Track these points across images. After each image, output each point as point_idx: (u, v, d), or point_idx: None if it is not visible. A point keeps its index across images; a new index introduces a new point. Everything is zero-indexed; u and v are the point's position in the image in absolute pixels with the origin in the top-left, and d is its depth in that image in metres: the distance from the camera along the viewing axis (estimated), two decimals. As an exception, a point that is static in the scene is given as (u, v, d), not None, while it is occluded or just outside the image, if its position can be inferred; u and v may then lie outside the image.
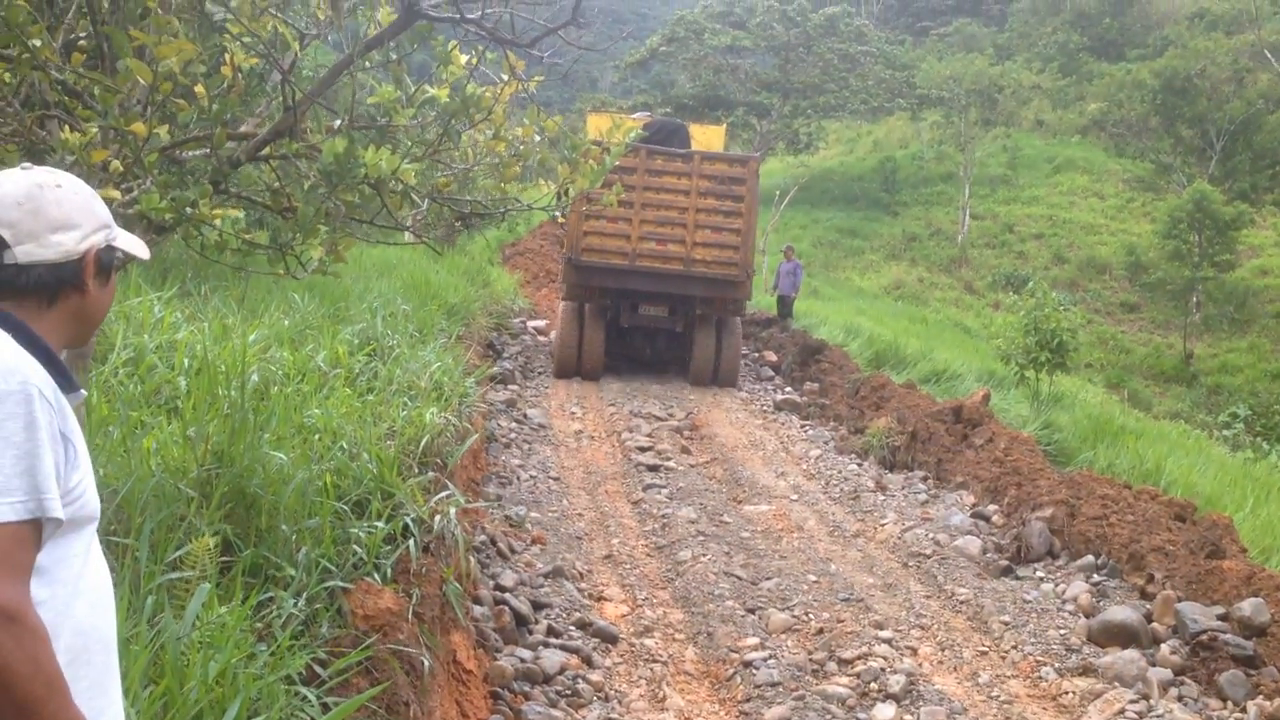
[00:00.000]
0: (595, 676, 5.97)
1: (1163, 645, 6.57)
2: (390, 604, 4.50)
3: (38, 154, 3.62)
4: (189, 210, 3.30)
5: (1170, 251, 34.82)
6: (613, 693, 5.89)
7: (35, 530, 1.67)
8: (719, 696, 5.98)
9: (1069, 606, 7.34)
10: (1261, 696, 5.87)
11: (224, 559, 3.92)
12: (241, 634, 3.41)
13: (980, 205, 44.21)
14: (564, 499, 9.48)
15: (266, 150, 4.04)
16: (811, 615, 7.05)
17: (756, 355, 18.42)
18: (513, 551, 7.59)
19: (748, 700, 5.83)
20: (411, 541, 5.04)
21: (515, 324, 19.01)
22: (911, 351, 17.55)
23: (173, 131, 3.65)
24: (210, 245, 3.71)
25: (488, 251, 25.35)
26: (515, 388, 14.01)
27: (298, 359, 6.94)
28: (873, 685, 6.02)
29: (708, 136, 19.03)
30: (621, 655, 6.36)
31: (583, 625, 6.58)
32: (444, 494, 5.82)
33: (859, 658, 6.38)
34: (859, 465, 11.48)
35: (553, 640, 6.28)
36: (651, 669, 6.18)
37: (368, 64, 4.06)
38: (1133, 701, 5.92)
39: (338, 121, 3.71)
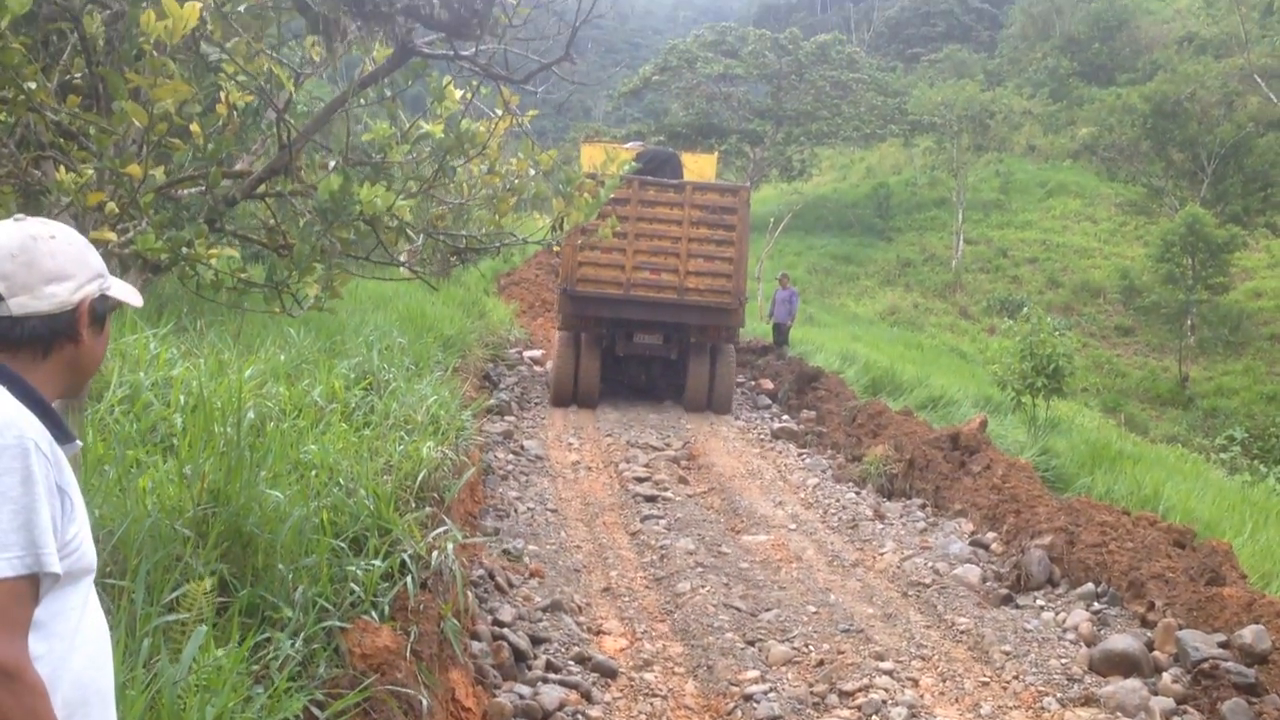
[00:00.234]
0: (595, 712, 5.92)
1: (1165, 674, 6.54)
2: (388, 642, 4.47)
3: (33, 195, 3.62)
4: (185, 250, 3.29)
5: (1164, 275, 34.94)
6: (613, 728, 5.85)
7: (33, 585, 1.66)
8: (720, 731, 5.93)
9: (1070, 635, 7.30)
10: (1265, 725, 5.84)
11: (220, 599, 3.90)
12: (238, 677, 3.39)
13: (974, 230, 44.37)
14: (562, 531, 9.44)
15: (262, 188, 4.04)
16: (812, 647, 7.01)
17: (753, 383, 18.44)
18: (511, 585, 7.54)
19: (749, 734, 5.79)
20: (409, 578, 5.01)
21: (511, 354, 19.01)
22: (908, 378, 17.56)
23: (168, 170, 3.64)
24: (206, 284, 3.70)
25: (483, 282, 25.38)
26: (512, 419, 13.99)
27: (294, 394, 6.93)
28: (874, 718, 5.98)
29: (700, 165, 19.17)
30: (621, 690, 6.31)
31: (582, 660, 6.54)
32: (441, 529, 5.80)
33: (860, 690, 6.33)
34: (857, 493, 11.46)
35: (551, 675, 6.23)
36: (651, 704, 6.13)
37: (362, 101, 4.07)
38: (1136, 731, 5.88)
39: (332, 163, 3.70)
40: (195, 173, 3.81)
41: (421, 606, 5.02)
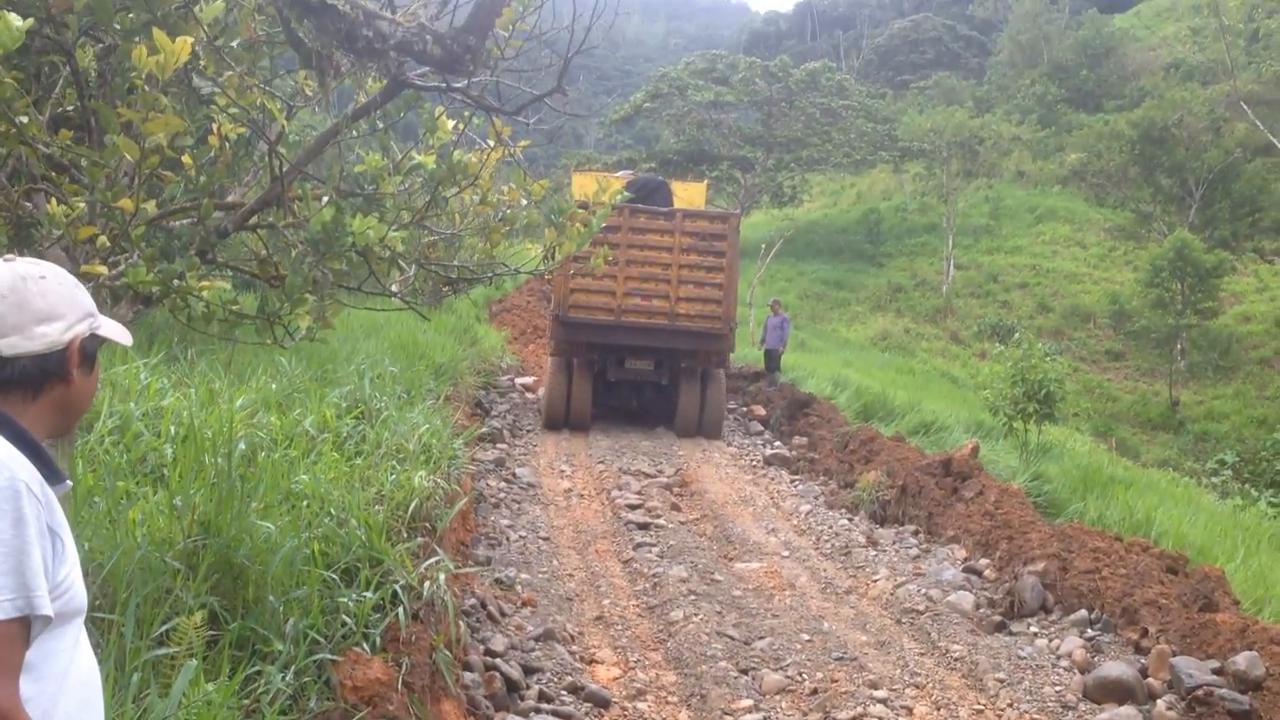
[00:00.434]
0: (588, 743, 5.89)
1: (1159, 701, 6.53)
2: (379, 674, 4.44)
3: (24, 228, 3.61)
4: (176, 283, 3.29)
5: (1153, 299, 35.07)
6: (606, 759, 5.81)
7: (24, 628, 1.66)
8: (714, 761, 5.90)
9: (1064, 662, 7.29)
10: (1260, 752, 5.82)
11: (211, 632, 3.87)
12: (229, 711, 3.37)
13: (964, 255, 44.54)
14: (554, 559, 9.41)
15: (254, 219, 4.04)
16: (805, 675, 6.98)
17: (745, 410, 18.45)
18: (503, 615, 7.51)
19: (743, 765, 5.75)
20: (401, 609, 4.99)
21: (503, 381, 18.99)
22: (900, 403, 17.57)
23: (160, 202, 3.64)
24: (197, 317, 3.70)
25: (475, 309, 25.37)
26: (504, 446, 13.97)
27: (285, 423, 6.91)
28: (869, 747, 5.95)
29: (689, 193, 19.32)
30: (614, 720, 6.28)
31: (575, 689, 6.50)
32: (433, 559, 5.78)
33: (854, 718, 6.31)
34: (849, 520, 11.44)
35: (544, 706, 6.20)
36: (645, 734, 6.10)
37: (355, 132, 4.08)
38: (1131, 759, 5.87)
39: (325, 198, 3.71)
40: (187, 204, 3.81)
41: (413, 637, 4.99)
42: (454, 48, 3.43)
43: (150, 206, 3.29)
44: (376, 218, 3.85)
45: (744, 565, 9.56)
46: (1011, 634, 7.95)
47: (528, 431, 15.60)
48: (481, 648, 6.58)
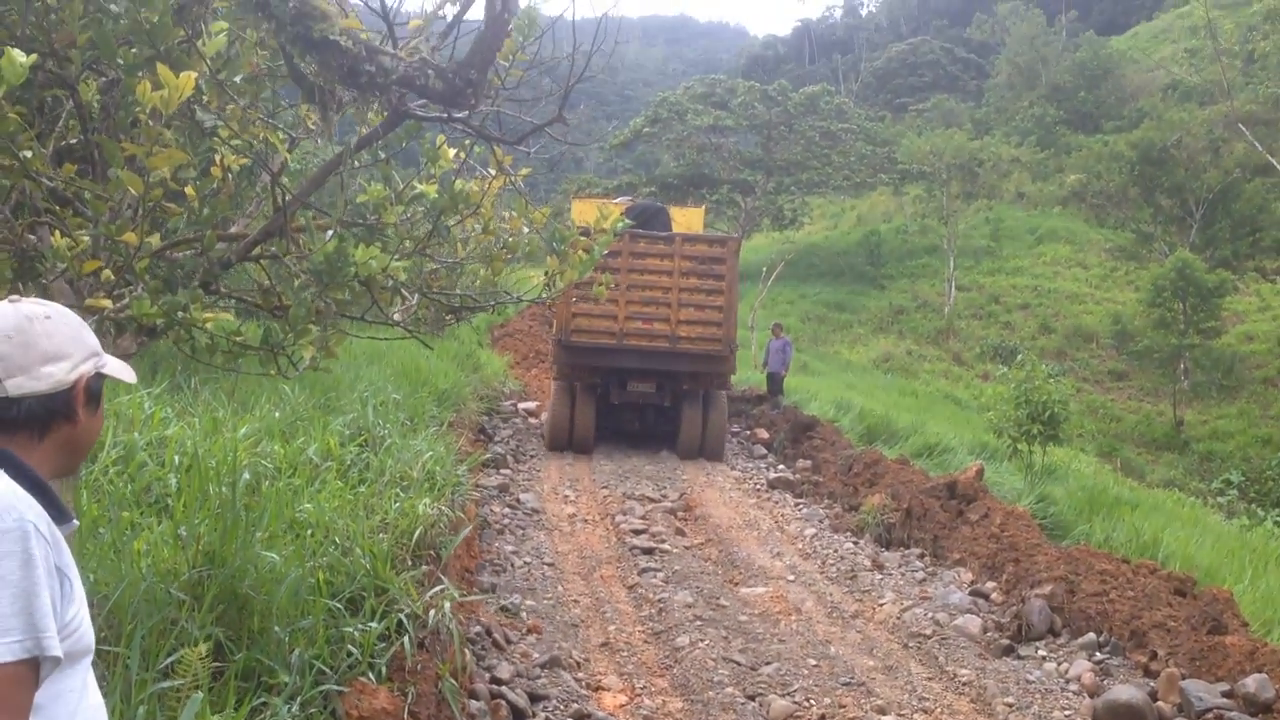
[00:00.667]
0: (595, 771, 5.85)
1: (1169, 724, 6.49)
2: (385, 704, 4.43)
3: (29, 261, 3.62)
4: (180, 315, 3.29)
5: (1156, 320, 35.07)
6: (613, 788, 5.77)
7: (33, 669, 1.65)
8: (721, 789, 5.86)
9: (1073, 686, 7.25)
10: (1272, 776, 5.78)
11: (216, 664, 3.86)
12: (234, 744, 3.35)
13: (965, 277, 44.58)
14: (559, 585, 9.38)
15: (256, 250, 4.05)
16: (813, 701, 6.94)
17: (748, 433, 18.44)
18: (509, 642, 7.48)
19: (751, 792, 5.71)
20: (406, 638, 4.98)
21: (506, 406, 18.99)
22: (903, 425, 17.57)
23: (163, 234, 3.65)
24: (201, 348, 3.70)
25: (477, 334, 25.40)
26: (508, 472, 13.95)
27: (289, 452, 6.90)
28: (877, 773, 5.91)
29: (688, 218, 19.45)
30: (621, 748, 6.24)
31: (581, 717, 6.47)
32: (438, 588, 5.76)
33: (862, 745, 6.27)
34: (855, 543, 11.41)
35: (551, 734, 6.16)
36: (652, 762, 6.06)
37: (357, 163, 4.09)
38: (1142, 784, 5.82)
39: (330, 232, 3.72)
40: (190, 236, 3.82)
41: (419, 666, 4.98)
42: (456, 82, 3.44)
43: (154, 239, 3.30)
44: (379, 247, 3.86)
45: (749, 590, 9.52)
46: (1019, 658, 7.92)
47: (531, 457, 15.59)
48: (487, 676, 6.55)
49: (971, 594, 9.29)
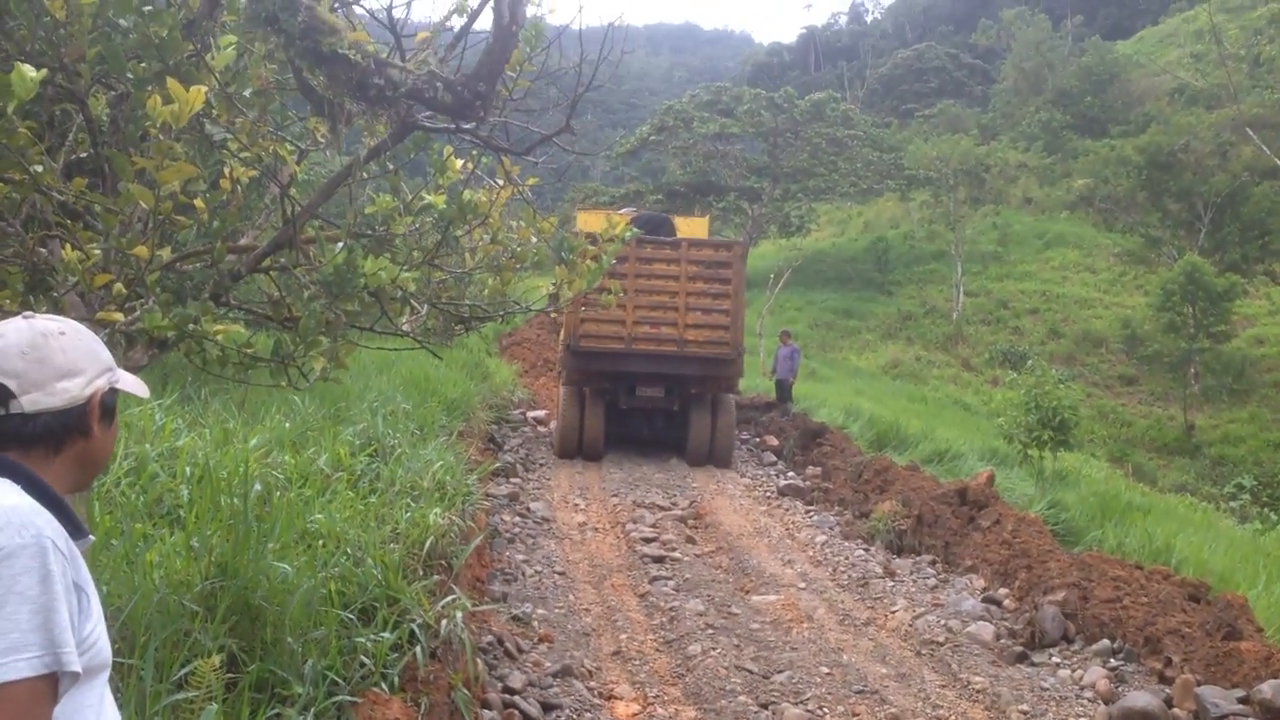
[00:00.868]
0: (608, 781, 5.84)
1: (1185, 730, 6.45)
2: (399, 714, 4.42)
3: (40, 274, 3.63)
4: (191, 327, 3.30)
5: (1165, 324, 34.98)
6: (626, 798, 5.76)
7: (52, 685, 1.66)
8: (735, 798, 5.84)
9: (1088, 693, 7.22)
10: (1289, 781, 5.75)
11: (230, 675, 3.86)
12: (248, 756, 3.35)
13: (973, 282, 44.54)
14: (570, 594, 9.37)
15: (266, 261, 4.06)
16: (826, 709, 6.92)
17: (758, 440, 18.43)
18: (520, 651, 7.47)
19: (764, 801, 5.69)
20: (419, 648, 4.97)
21: (515, 415, 19.00)
22: (913, 432, 17.54)
23: (174, 247, 3.67)
24: (212, 360, 3.71)
25: (485, 343, 25.43)
26: (517, 480, 13.95)
27: (300, 462, 6.91)
28: (891, 781, 5.89)
29: (692, 228, 19.54)
30: (633, 757, 6.23)
31: (593, 727, 6.46)
32: (450, 597, 5.76)
33: (876, 753, 6.25)
34: (866, 550, 11.39)
35: (563, 744, 6.15)
36: (665, 771, 6.04)
37: (365, 174, 4.10)
38: (1158, 791, 5.79)
39: (339, 244, 3.72)
40: (200, 249, 3.83)
41: (432, 676, 4.98)
42: (465, 94, 3.45)
43: (165, 252, 3.31)
44: (388, 258, 3.87)
45: (761, 598, 9.50)
46: (1033, 665, 7.88)
47: (541, 465, 15.60)
48: (500, 685, 6.55)
49: (984, 601, 9.27)
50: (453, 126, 3.87)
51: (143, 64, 3.27)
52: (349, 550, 5.39)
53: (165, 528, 5.02)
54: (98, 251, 3.30)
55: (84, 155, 3.87)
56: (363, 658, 4.55)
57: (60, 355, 1.86)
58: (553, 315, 22.35)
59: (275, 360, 3.94)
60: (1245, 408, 34.28)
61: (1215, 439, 32.81)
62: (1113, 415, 34.96)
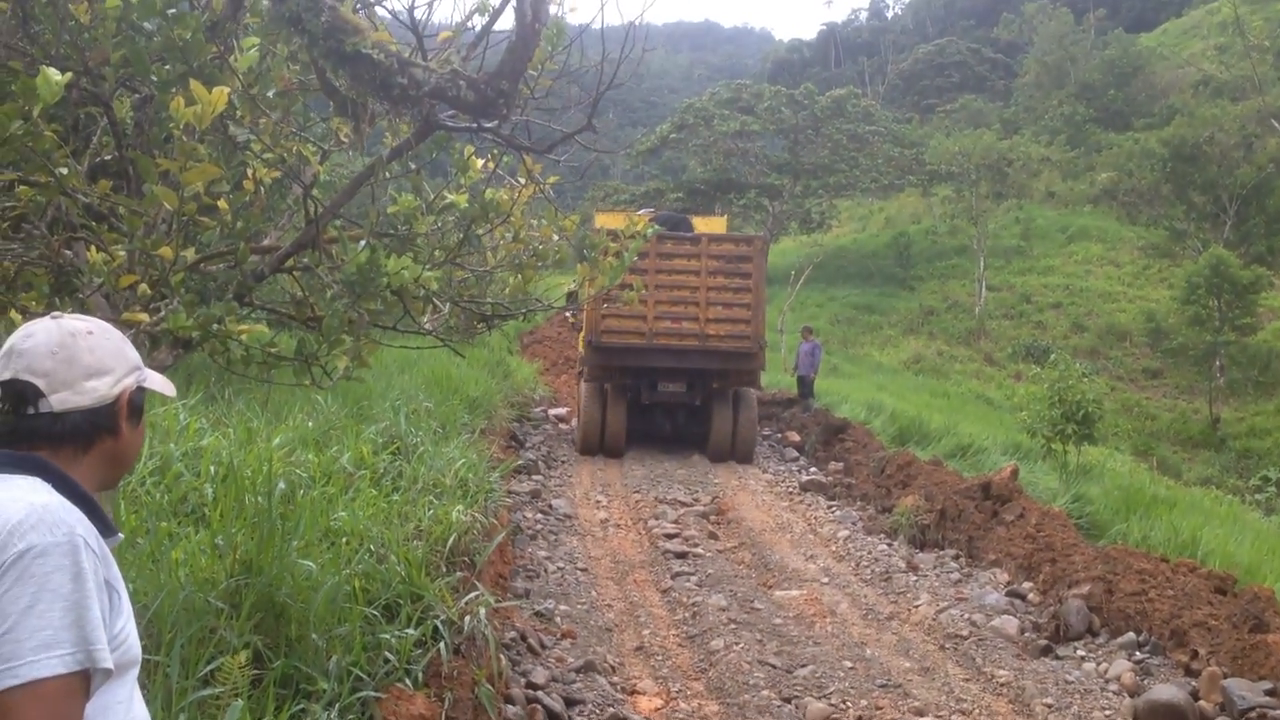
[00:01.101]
0: (631, 776, 5.85)
1: (1211, 724, 6.42)
2: (423, 710, 4.45)
3: (65, 276, 3.68)
4: (215, 327, 3.33)
5: (1190, 317, 34.73)
6: (650, 793, 5.77)
7: (84, 682, 1.68)
8: (758, 793, 5.85)
9: (1113, 686, 7.19)
10: (1317, 775, 5.71)
11: (255, 671, 3.89)
12: (275, 751, 3.38)
13: (996, 277, 44.33)
14: (592, 590, 9.39)
15: (289, 262, 4.09)
16: (849, 703, 6.92)
17: (779, 436, 18.42)
18: (543, 647, 7.49)
19: (788, 796, 5.70)
20: (442, 644, 5.00)
21: (536, 413, 19.05)
22: (935, 426, 17.49)
23: (197, 248, 3.70)
24: (236, 360, 3.74)
25: (506, 341, 25.50)
26: (539, 477, 13.98)
27: (323, 461, 6.96)
28: (915, 776, 5.88)
29: (710, 226, 19.59)
30: (657, 753, 6.24)
31: (617, 722, 6.47)
32: (473, 594, 5.78)
33: (900, 747, 6.24)
34: (889, 545, 11.36)
35: (587, 739, 6.17)
36: (688, 766, 6.06)
37: (387, 174, 4.13)
38: (1184, 785, 5.76)
39: (362, 243, 3.75)
40: (224, 249, 3.87)
41: (455, 672, 5.00)
42: (488, 93, 3.47)
43: (189, 253, 3.35)
44: (411, 257, 3.89)
45: (783, 593, 9.50)
46: (1058, 658, 7.86)
47: (562, 462, 15.63)
48: (523, 681, 6.57)
49: (1008, 595, 9.24)
50: (475, 126, 3.89)
51: (166, 66, 3.30)
52: (372, 547, 5.42)
53: (190, 526, 5.07)
54: (122, 253, 3.34)
55: (108, 158, 3.91)
56: (387, 654, 4.58)
57: (88, 354, 1.88)
58: (570, 319, 22.36)
59: (299, 359, 3.97)
60: (1271, 400, 34.00)
61: (1241, 432, 32.56)
62: (1137, 409, 34.75)
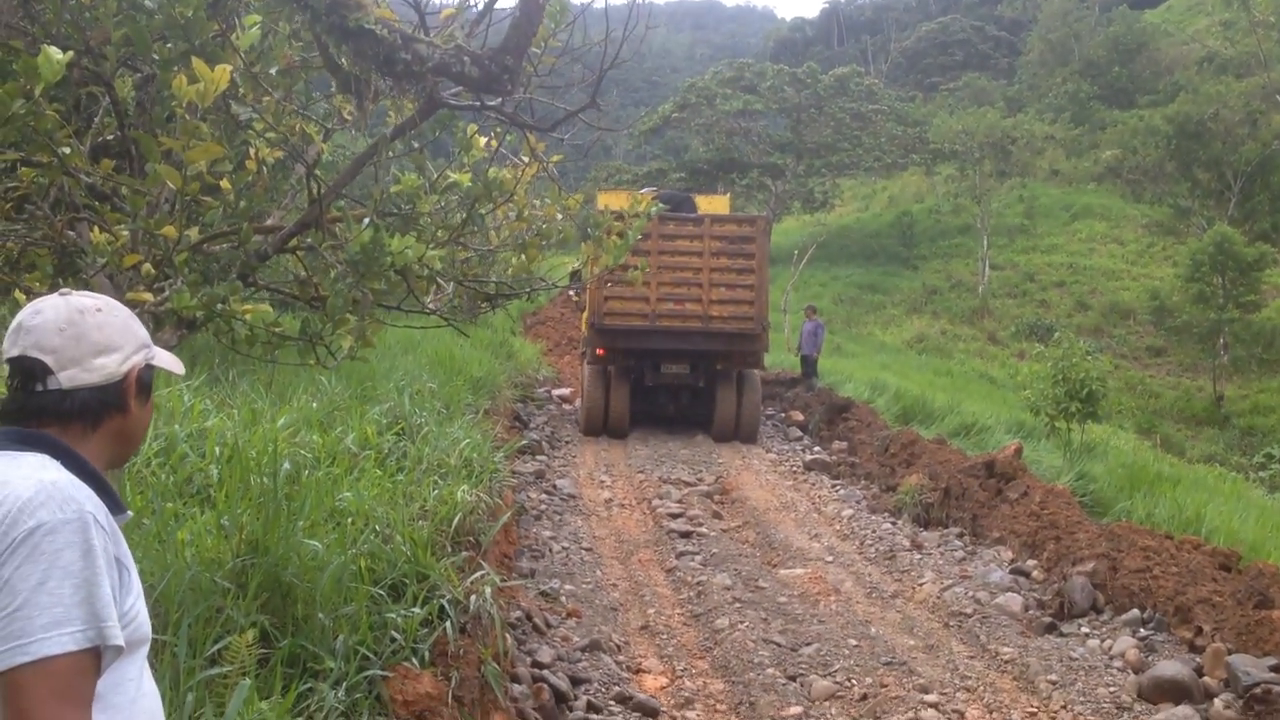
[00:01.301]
0: (637, 754, 5.88)
1: (1216, 700, 6.43)
2: (429, 688, 4.47)
3: (69, 256, 3.67)
4: (219, 307, 3.33)
5: (1194, 294, 34.60)
6: (656, 770, 5.80)
7: (95, 659, 1.68)
8: (764, 770, 5.87)
9: (1117, 663, 7.21)
10: (1321, 750, 5.73)
11: (262, 650, 3.90)
12: (283, 729, 3.39)
13: (999, 255, 44.19)
14: (597, 569, 9.42)
15: (293, 241, 4.08)
16: (854, 680, 6.94)
17: (783, 416, 18.42)
18: (549, 626, 7.52)
19: (793, 773, 5.72)
20: (448, 623, 5.01)
21: (540, 393, 19.07)
22: (939, 405, 17.49)
23: (201, 228, 3.69)
24: (240, 340, 3.74)
25: (510, 322, 25.49)
26: (543, 458, 14.01)
27: (327, 441, 6.96)
28: (920, 753, 5.90)
29: (714, 206, 19.56)
30: (663, 730, 6.27)
31: (623, 699, 6.50)
32: (479, 573, 5.80)
33: (904, 724, 6.26)
34: (893, 524, 11.38)
35: (593, 716, 6.21)
36: (694, 744, 6.08)
37: (390, 153, 4.11)
38: (1188, 760, 5.78)
39: (365, 222, 3.74)
40: (227, 229, 3.86)
41: (461, 651, 5.01)
42: (492, 68, 3.46)
43: (192, 233, 3.34)
44: (414, 236, 3.88)
45: (788, 571, 9.52)
46: (1062, 635, 7.87)
47: (566, 443, 15.65)
48: (529, 660, 6.60)
49: (1012, 572, 9.25)
50: (478, 104, 3.87)
51: (168, 45, 3.29)
52: (378, 527, 5.43)
53: (196, 506, 5.07)
54: (126, 233, 3.33)
55: (111, 137, 3.90)
56: (393, 633, 4.59)
57: (97, 331, 1.87)
58: (574, 298, 22.34)
59: (303, 339, 3.97)
60: (1275, 378, 33.92)
61: (1244, 409, 32.51)
62: (1141, 387, 34.68)
